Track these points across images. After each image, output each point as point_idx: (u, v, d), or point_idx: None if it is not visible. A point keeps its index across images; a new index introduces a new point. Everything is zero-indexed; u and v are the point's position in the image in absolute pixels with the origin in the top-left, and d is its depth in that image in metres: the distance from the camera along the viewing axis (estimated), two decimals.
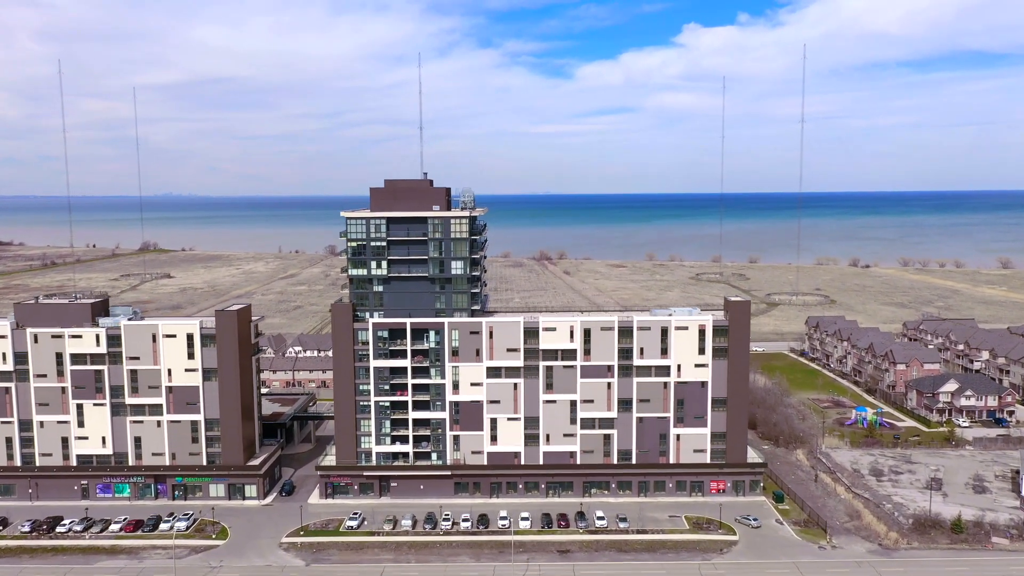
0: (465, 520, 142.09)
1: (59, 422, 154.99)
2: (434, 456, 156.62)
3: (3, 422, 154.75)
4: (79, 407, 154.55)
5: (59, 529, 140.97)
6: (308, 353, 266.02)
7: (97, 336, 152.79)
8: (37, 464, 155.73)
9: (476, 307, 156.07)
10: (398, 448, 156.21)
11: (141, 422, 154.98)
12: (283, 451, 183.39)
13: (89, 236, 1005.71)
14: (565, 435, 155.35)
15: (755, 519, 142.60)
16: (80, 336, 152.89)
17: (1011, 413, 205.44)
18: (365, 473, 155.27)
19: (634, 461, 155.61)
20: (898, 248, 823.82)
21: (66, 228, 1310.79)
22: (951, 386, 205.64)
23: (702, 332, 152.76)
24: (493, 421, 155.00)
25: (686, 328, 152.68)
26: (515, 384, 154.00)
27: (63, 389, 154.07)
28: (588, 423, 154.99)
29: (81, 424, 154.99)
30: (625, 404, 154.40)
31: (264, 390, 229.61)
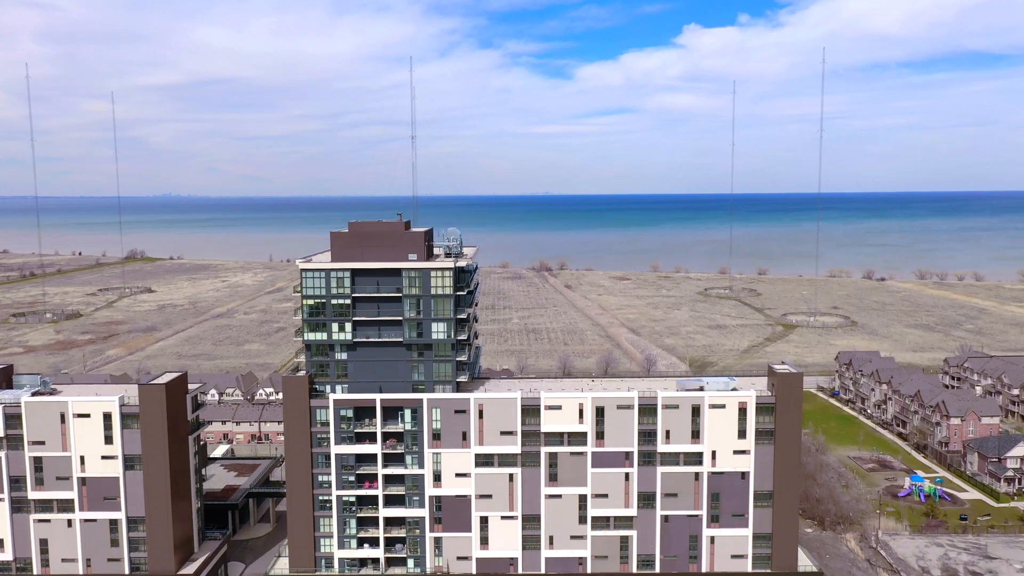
0: None
1: None
2: (411, 563, 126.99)
3: None
4: None
5: None
6: (281, 396, 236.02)
7: None
8: None
9: (463, 378, 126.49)
10: (366, 553, 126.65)
11: (48, 521, 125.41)
12: (237, 536, 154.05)
13: (77, 242, 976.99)
14: (573, 537, 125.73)
15: None
16: None
17: None
18: None
19: (658, 569, 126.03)
20: (911, 256, 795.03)
21: (57, 233, 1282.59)
22: (1021, 449, 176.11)
23: (742, 411, 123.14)
24: (483, 520, 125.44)
25: (723, 406, 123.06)
26: (511, 475, 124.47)
27: None
28: (601, 522, 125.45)
29: None
30: (647, 499, 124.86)
31: (222, 449, 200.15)
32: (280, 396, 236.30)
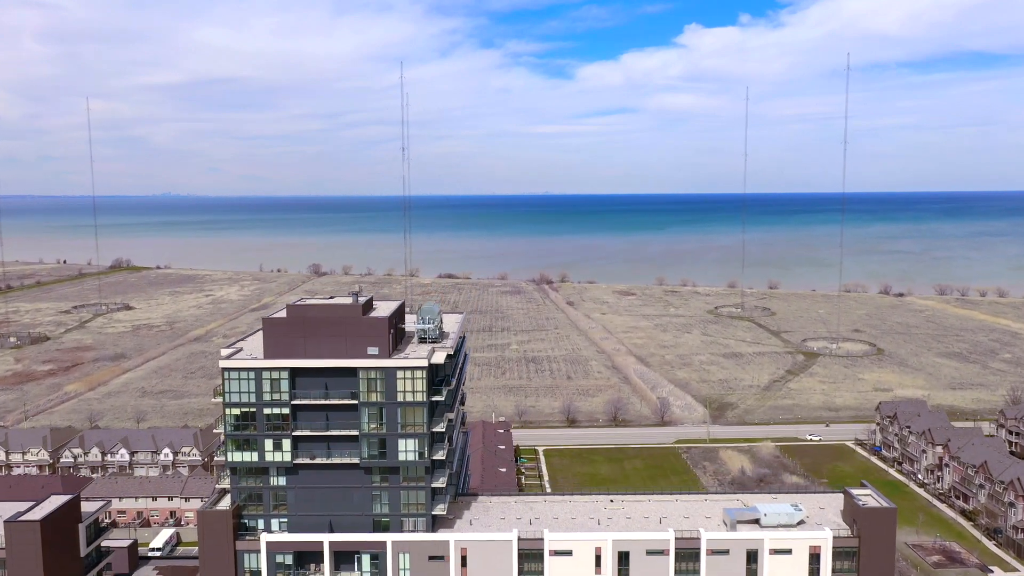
0: None
1: None
2: None
3: None
4: None
5: None
6: None
7: None
8: None
9: (440, 509, 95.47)
10: None
11: None
12: None
13: (64, 248, 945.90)
14: None
15: None
16: None
17: None
18: None
19: None
20: (926, 266, 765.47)
21: (44, 237, 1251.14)
22: None
23: (815, 556, 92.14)
24: None
25: (788, 551, 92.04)
26: None
27: None
28: None
29: None
30: None
31: (166, 535, 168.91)
32: None
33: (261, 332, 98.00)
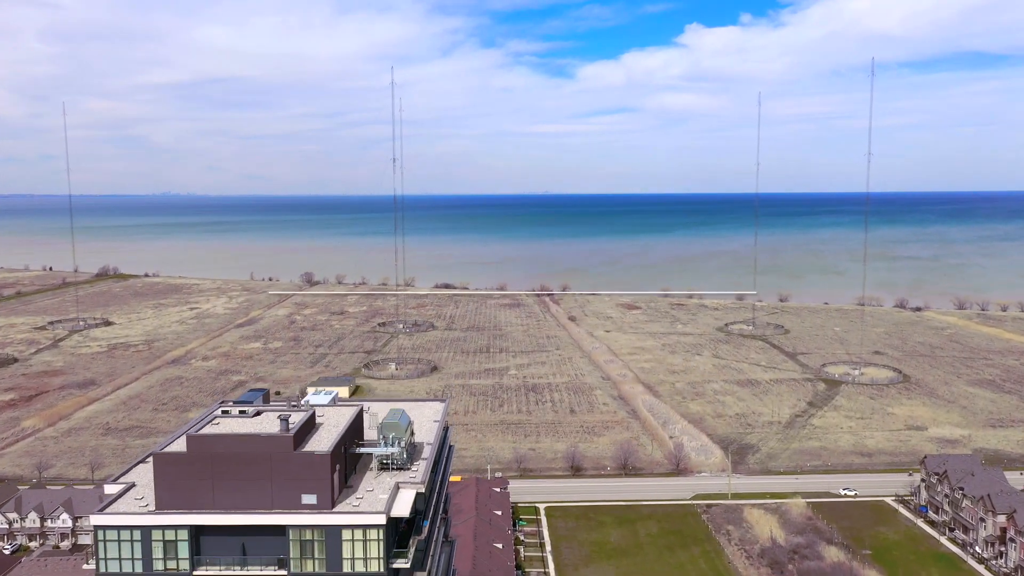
0: None
1: None
2: None
3: None
4: None
5: None
6: None
7: None
8: None
9: None
10: None
11: None
12: None
13: (51, 254, 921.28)
14: None
15: None
16: None
17: None
18: None
19: None
20: (940, 275, 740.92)
21: (36, 239, 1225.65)
22: None
23: None
24: None
25: None
26: None
27: None
28: None
29: None
30: None
31: None
32: None
33: (147, 459, 71.60)
